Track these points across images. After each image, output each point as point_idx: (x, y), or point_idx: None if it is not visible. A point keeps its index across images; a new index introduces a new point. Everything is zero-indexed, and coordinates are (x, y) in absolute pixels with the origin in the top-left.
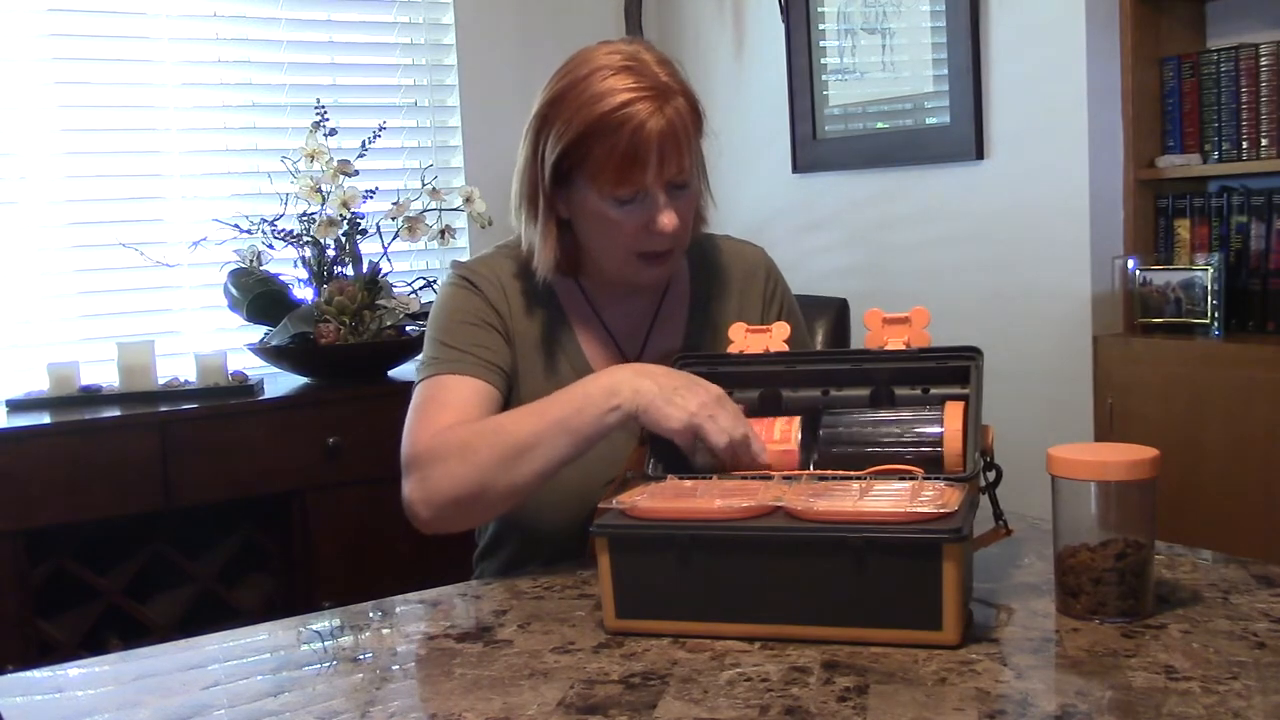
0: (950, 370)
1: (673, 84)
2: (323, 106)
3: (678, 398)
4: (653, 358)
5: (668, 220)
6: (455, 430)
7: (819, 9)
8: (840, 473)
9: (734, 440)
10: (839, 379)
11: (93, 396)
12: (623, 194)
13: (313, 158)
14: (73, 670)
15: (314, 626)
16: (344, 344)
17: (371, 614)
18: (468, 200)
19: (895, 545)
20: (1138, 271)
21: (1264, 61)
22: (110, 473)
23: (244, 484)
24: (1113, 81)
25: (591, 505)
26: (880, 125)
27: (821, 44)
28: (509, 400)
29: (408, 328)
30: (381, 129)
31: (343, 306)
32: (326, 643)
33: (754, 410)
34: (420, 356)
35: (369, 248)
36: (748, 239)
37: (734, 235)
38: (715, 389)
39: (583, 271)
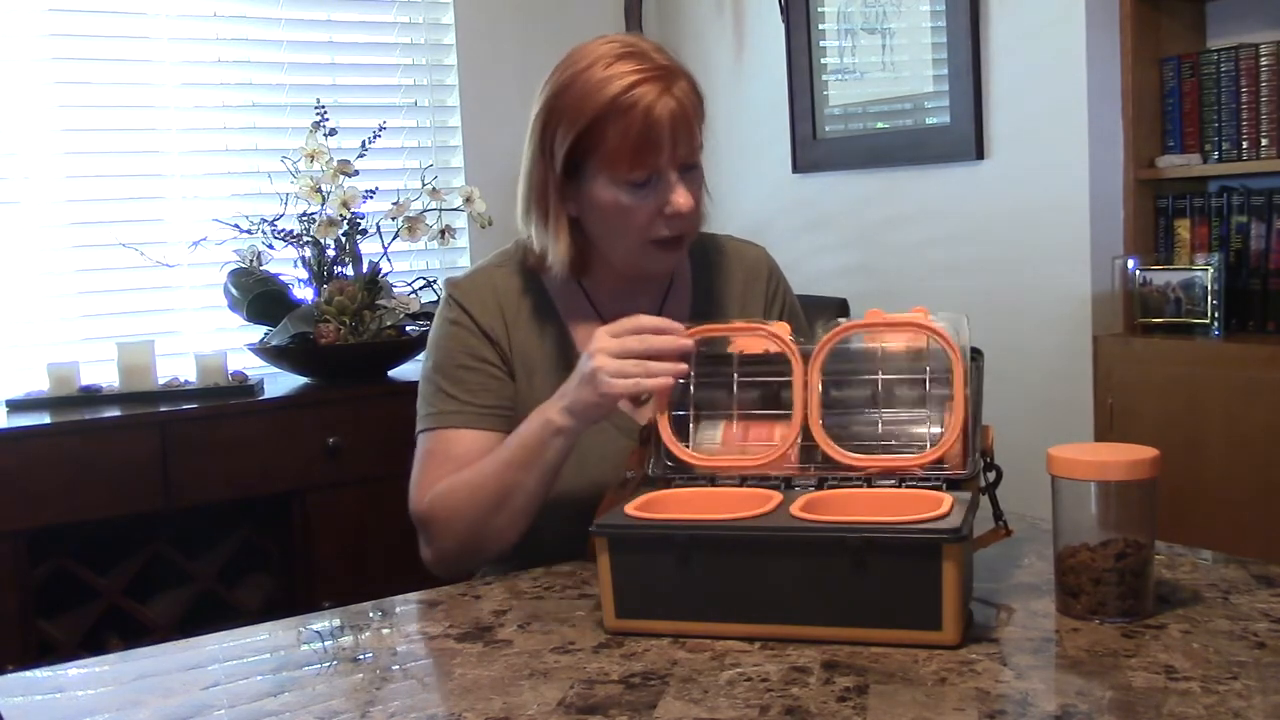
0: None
1: (674, 66)
2: (323, 106)
3: (586, 378)
4: None
5: (683, 199)
6: (443, 491)
7: (819, 9)
8: (840, 473)
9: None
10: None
11: (93, 396)
12: (637, 177)
13: (313, 158)
14: (73, 670)
15: (314, 626)
16: (344, 344)
17: (371, 614)
18: (468, 200)
19: (895, 545)
20: (1138, 271)
21: (1264, 61)
22: (110, 473)
23: (244, 484)
24: (1113, 81)
25: (592, 508)
26: (880, 125)
27: (821, 44)
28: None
29: (408, 328)
30: (381, 129)
31: (343, 306)
32: (326, 643)
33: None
34: (420, 391)
35: (369, 248)
36: (748, 239)
37: (735, 235)
38: (600, 343)
39: (587, 273)
